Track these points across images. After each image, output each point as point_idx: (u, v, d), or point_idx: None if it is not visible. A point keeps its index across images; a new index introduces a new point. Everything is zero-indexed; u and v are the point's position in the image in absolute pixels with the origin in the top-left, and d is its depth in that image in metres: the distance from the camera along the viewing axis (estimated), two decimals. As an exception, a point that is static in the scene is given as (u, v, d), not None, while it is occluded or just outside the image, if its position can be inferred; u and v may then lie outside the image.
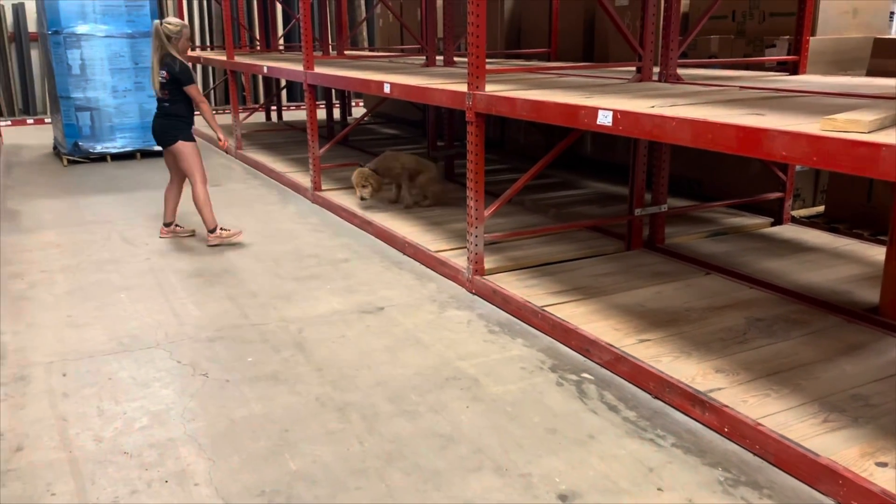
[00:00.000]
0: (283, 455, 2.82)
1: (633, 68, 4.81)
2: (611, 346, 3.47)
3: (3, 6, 12.30)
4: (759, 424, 2.79)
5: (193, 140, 5.42)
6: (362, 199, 5.97)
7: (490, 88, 4.27)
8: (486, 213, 4.40)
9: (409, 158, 6.27)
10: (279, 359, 3.64)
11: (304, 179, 7.28)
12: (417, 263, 5.06)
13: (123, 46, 8.64)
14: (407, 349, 3.73)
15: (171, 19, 5.28)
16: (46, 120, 12.30)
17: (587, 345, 3.59)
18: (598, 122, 3.31)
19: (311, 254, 5.29)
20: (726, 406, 2.92)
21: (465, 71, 4.31)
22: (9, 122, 12.22)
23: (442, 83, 4.89)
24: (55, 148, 9.46)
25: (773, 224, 5.54)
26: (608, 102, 3.48)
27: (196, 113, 5.43)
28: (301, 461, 2.78)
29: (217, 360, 3.62)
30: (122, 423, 3.06)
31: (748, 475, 2.66)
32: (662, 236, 5.04)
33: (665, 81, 4.65)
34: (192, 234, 5.76)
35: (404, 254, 5.25)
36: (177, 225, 5.74)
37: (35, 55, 12.58)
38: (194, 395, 3.29)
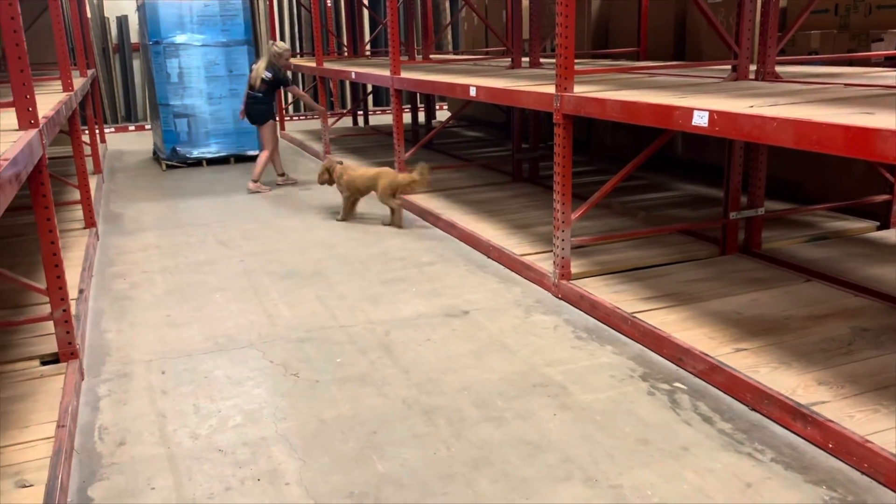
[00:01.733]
0: (371, 457, 2.85)
1: (728, 67, 4.63)
2: (705, 354, 3.35)
3: (108, 19, 12.96)
4: (868, 441, 2.63)
5: (276, 121, 7.68)
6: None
7: (578, 90, 4.20)
8: (574, 216, 4.33)
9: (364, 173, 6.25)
10: (366, 361, 3.68)
11: (390, 183, 7.34)
12: (502, 267, 5.03)
13: (219, 55, 8.98)
14: (492, 354, 3.71)
15: (280, 43, 7.51)
16: (147, 126, 12.89)
17: (680, 353, 3.48)
18: (693, 123, 3.21)
19: (397, 257, 5.34)
20: (831, 421, 2.77)
21: (552, 72, 4.27)
22: (112, 129, 12.88)
23: (528, 85, 4.85)
24: (154, 153, 9.89)
25: (878, 228, 5.24)
26: (703, 102, 3.36)
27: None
28: (389, 464, 2.80)
29: (307, 361, 3.69)
30: (216, 421, 3.15)
31: (856, 495, 2.52)
32: (759, 241, 4.85)
33: (763, 80, 4.46)
34: (295, 182, 8.05)
35: (489, 257, 5.23)
36: (285, 175, 8.00)
37: (137, 65, 13.22)
38: (285, 394, 3.36)
